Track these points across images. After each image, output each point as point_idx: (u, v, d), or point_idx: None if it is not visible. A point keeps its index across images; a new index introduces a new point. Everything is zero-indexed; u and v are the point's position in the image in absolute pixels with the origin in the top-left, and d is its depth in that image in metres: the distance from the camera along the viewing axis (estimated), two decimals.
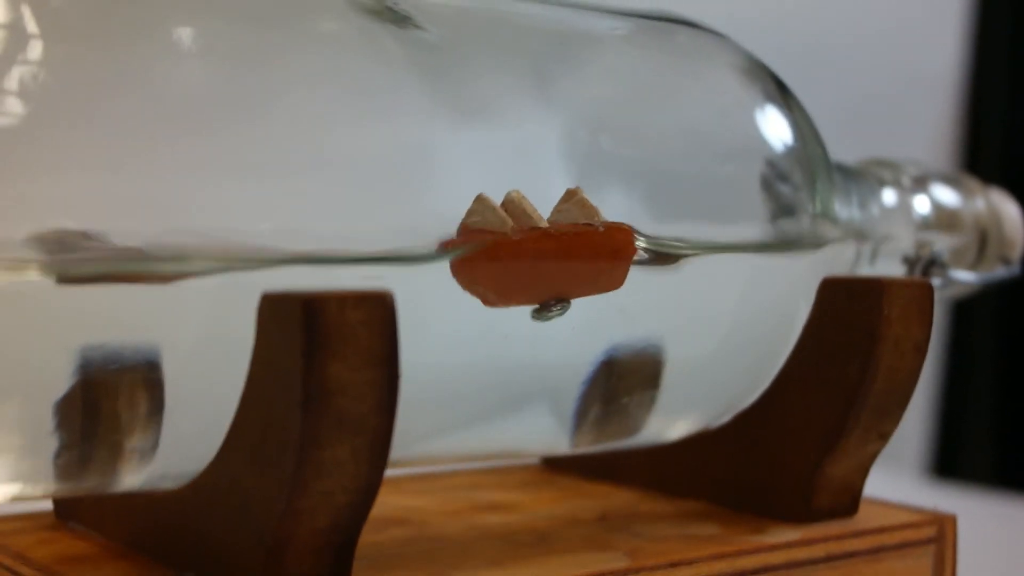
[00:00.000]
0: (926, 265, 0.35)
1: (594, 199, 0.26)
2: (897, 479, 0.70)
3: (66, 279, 0.21)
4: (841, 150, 0.35)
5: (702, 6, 0.37)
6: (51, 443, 0.22)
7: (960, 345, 0.83)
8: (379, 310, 0.22)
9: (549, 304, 0.26)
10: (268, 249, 0.22)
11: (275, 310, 0.22)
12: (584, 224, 0.26)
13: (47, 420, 0.22)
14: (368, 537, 0.27)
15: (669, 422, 0.31)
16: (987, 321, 0.82)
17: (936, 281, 0.35)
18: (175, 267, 0.22)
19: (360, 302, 0.21)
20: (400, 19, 0.26)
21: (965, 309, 0.80)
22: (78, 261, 0.21)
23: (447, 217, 0.25)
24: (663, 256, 0.27)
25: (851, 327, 0.30)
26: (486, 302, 0.25)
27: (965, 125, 0.84)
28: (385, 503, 0.31)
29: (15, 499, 0.23)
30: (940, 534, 0.32)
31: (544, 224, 0.25)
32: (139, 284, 0.21)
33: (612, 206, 0.26)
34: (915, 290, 0.30)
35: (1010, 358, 0.82)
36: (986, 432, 0.82)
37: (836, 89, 0.73)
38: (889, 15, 0.80)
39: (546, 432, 0.29)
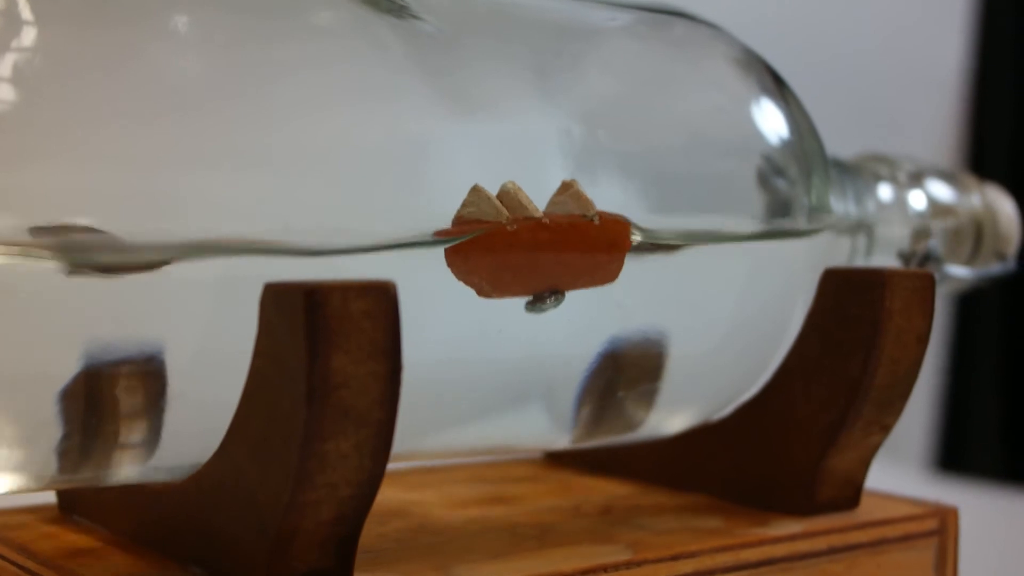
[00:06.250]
0: (921, 260, 0.35)
1: (590, 191, 0.26)
2: (902, 473, 0.70)
3: (73, 269, 0.21)
4: (845, 150, 0.35)
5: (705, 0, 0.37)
6: (53, 434, 0.22)
7: (965, 338, 0.83)
8: (382, 300, 0.21)
9: (543, 296, 0.26)
10: (265, 240, 0.22)
11: (278, 301, 0.21)
12: (580, 216, 0.26)
13: (50, 411, 0.22)
14: (371, 530, 0.27)
15: (669, 415, 0.31)
16: (992, 314, 0.82)
17: None
18: (178, 258, 0.22)
19: (363, 292, 0.21)
20: (398, 9, 0.26)
21: (969, 302, 0.80)
22: (84, 250, 0.21)
23: (442, 209, 0.25)
24: (660, 248, 0.27)
25: (853, 318, 0.30)
26: (480, 292, 0.25)
27: (970, 125, 0.84)
28: (387, 496, 0.31)
29: (17, 491, 0.23)
30: (942, 527, 0.32)
31: (539, 215, 0.25)
32: (142, 275, 0.22)
33: (608, 198, 0.26)
34: (917, 281, 0.30)
35: (1015, 351, 0.82)
36: (991, 426, 0.82)
37: (840, 88, 0.73)
38: (894, 13, 0.79)
39: (546, 427, 0.29)
